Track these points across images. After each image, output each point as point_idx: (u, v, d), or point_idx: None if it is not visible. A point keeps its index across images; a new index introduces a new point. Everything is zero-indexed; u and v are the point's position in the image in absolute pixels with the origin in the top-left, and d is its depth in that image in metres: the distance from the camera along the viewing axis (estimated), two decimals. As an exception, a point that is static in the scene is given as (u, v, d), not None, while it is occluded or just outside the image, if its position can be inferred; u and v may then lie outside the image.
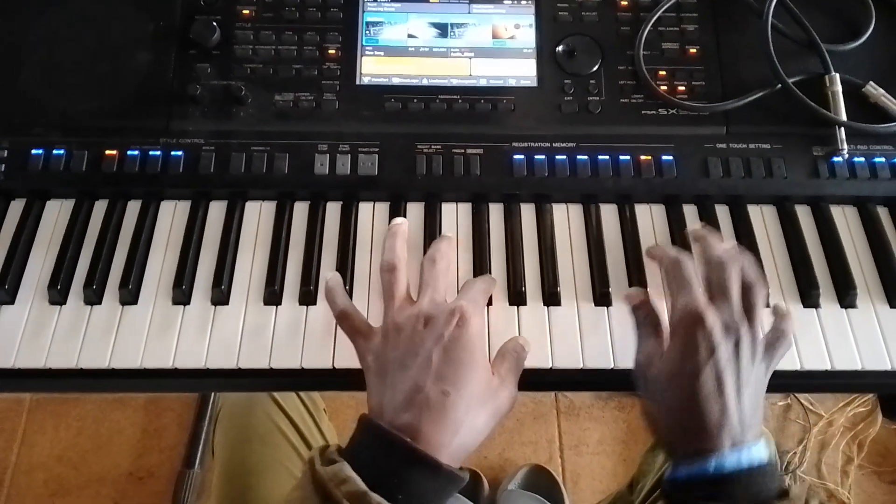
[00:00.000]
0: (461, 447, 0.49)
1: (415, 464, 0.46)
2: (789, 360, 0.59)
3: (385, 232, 0.64)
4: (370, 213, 0.66)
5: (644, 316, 0.56)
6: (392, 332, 0.52)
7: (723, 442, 0.48)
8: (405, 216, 0.65)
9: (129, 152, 0.65)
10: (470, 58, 0.70)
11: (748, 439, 0.49)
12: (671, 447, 0.53)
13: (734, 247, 0.56)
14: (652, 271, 0.63)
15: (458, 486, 0.48)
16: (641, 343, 0.55)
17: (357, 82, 0.68)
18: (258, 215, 0.66)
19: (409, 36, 0.71)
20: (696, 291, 0.53)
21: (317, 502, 0.44)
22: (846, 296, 0.62)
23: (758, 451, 0.49)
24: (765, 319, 0.54)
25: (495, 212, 0.66)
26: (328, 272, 0.60)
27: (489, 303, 0.61)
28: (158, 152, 0.65)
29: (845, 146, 0.65)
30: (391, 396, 0.49)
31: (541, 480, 1.25)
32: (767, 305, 0.58)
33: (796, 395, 1.45)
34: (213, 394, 1.38)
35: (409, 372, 0.49)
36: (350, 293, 0.61)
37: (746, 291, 0.53)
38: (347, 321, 0.56)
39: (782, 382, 0.60)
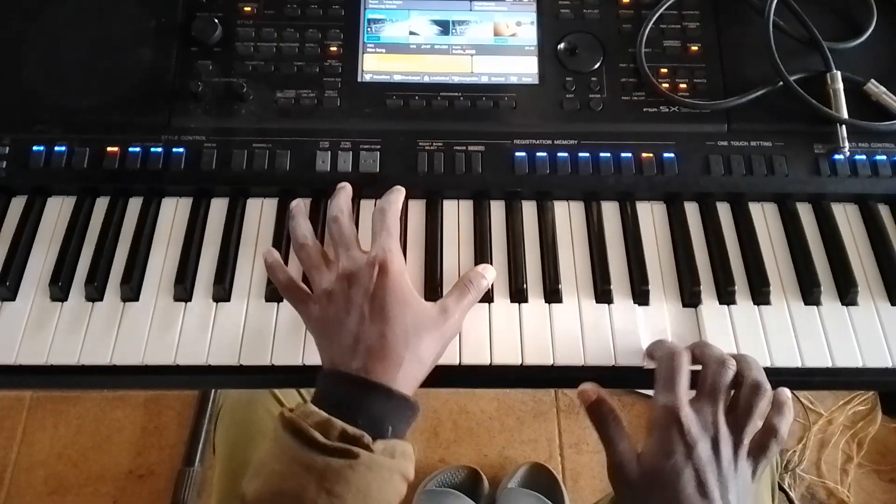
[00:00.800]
0: (408, 377, 0.53)
1: (368, 391, 0.50)
2: (790, 358, 0.59)
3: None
4: (371, 211, 0.65)
5: (605, 413, 0.54)
6: (324, 298, 0.55)
7: None
8: (407, 214, 0.65)
9: (130, 149, 0.65)
10: (471, 55, 0.70)
11: None
12: None
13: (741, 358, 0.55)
14: (653, 272, 0.63)
15: (414, 411, 0.52)
16: (611, 443, 0.54)
17: (359, 79, 0.68)
18: (260, 212, 0.66)
19: (411, 33, 0.71)
20: (679, 389, 0.52)
21: (288, 439, 0.48)
22: (847, 293, 0.62)
23: None
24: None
25: (497, 209, 0.66)
26: (264, 251, 0.61)
27: (490, 299, 0.61)
28: (160, 149, 0.65)
29: (846, 144, 0.65)
30: (338, 351, 0.53)
31: (541, 479, 1.25)
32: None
33: (796, 393, 1.45)
34: (213, 392, 1.38)
35: (348, 327, 0.53)
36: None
37: (747, 394, 0.53)
38: (290, 292, 0.58)
39: (784, 380, 0.60)
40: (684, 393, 0.52)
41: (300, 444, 0.47)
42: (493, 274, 0.60)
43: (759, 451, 0.52)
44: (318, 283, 0.57)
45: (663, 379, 0.53)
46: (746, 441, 0.51)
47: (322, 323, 0.55)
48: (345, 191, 0.62)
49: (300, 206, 0.63)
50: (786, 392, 0.55)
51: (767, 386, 0.53)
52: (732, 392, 0.54)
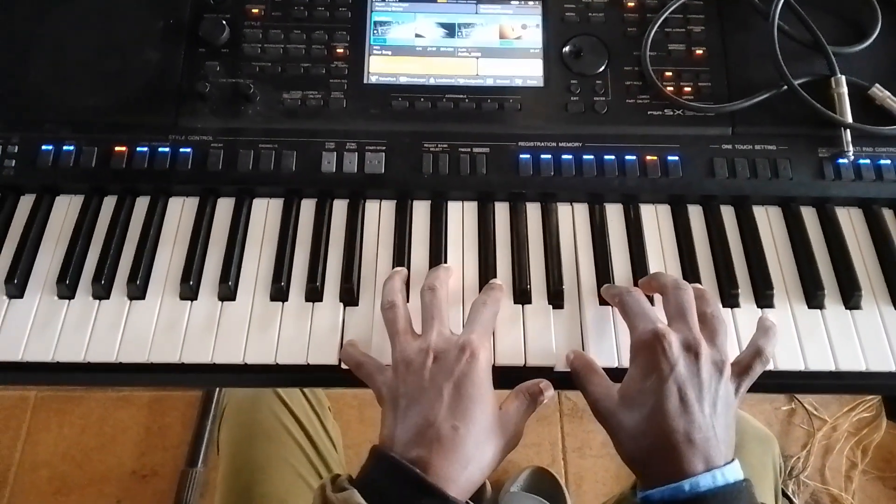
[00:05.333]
0: (469, 481, 0.49)
1: (425, 495, 0.46)
2: (794, 361, 0.59)
3: (391, 229, 0.65)
4: (377, 211, 0.66)
5: (581, 364, 0.56)
6: (402, 366, 0.53)
7: (693, 461, 0.47)
8: (411, 214, 0.65)
9: (138, 149, 0.66)
10: (477, 57, 0.70)
11: (721, 459, 0.48)
12: (642, 470, 0.51)
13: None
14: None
15: None
16: (586, 387, 0.54)
17: (365, 81, 0.69)
18: (265, 212, 0.66)
19: (417, 35, 0.71)
20: (652, 315, 0.54)
21: None
22: (851, 297, 0.62)
23: (732, 471, 0.48)
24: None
25: (501, 210, 0.66)
26: (350, 338, 0.59)
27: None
28: (167, 149, 0.66)
29: (851, 148, 0.65)
30: (403, 430, 0.50)
31: (543, 483, 1.25)
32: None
33: (800, 399, 1.45)
34: (216, 392, 1.39)
35: (421, 407, 0.50)
36: (357, 290, 0.62)
37: (707, 319, 0.54)
38: (363, 369, 0.56)
39: (787, 383, 0.61)
40: (657, 317, 0.54)
41: None
42: (550, 389, 0.56)
43: (743, 371, 0.53)
44: (400, 349, 0.54)
45: (633, 311, 0.55)
46: (726, 358, 0.52)
47: (393, 395, 0.52)
48: (447, 270, 0.61)
49: (403, 272, 0.61)
50: (766, 319, 0.57)
51: (721, 313, 0.55)
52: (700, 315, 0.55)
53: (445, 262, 0.63)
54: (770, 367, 0.59)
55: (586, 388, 0.54)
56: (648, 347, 0.51)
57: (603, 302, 0.62)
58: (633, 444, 0.51)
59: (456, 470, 0.48)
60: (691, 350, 0.51)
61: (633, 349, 0.54)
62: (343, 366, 0.58)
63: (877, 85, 0.68)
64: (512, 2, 0.72)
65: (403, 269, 0.62)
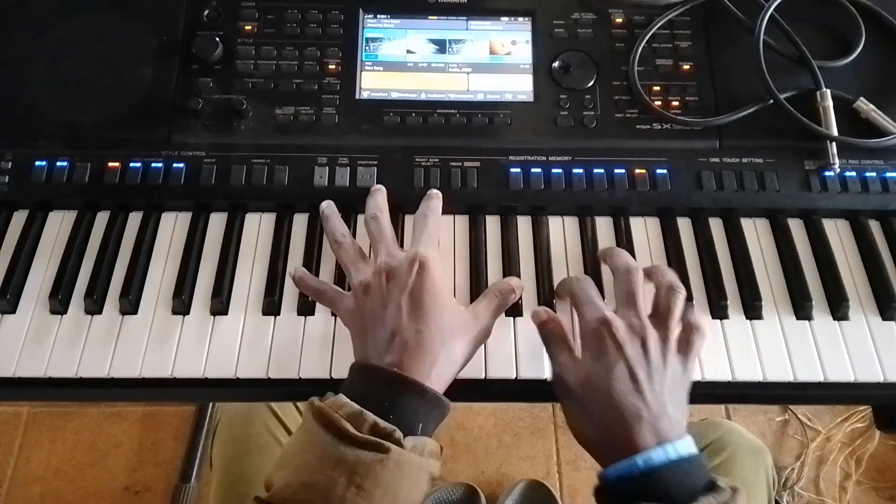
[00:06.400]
0: (441, 377, 0.53)
1: (401, 388, 0.51)
2: (783, 372, 0.60)
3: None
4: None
5: (550, 329, 0.58)
6: (361, 291, 0.56)
7: (646, 437, 0.49)
8: (403, 227, 0.66)
9: (131, 164, 0.66)
10: (467, 73, 0.71)
11: (673, 435, 0.50)
12: (598, 451, 0.53)
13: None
14: (648, 289, 0.63)
15: (444, 410, 0.52)
16: (554, 356, 0.57)
17: (356, 97, 0.70)
18: (258, 227, 0.67)
19: (408, 51, 0.72)
20: (598, 302, 0.56)
21: (318, 430, 0.48)
22: (839, 308, 0.62)
23: (684, 446, 0.49)
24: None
25: (492, 224, 0.67)
26: (291, 268, 0.62)
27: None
28: (160, 164, 0.66)
29: (837, 160, 0.66)
30: (373, 346, 0.54)
31: (538, 496, 1.25)
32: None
33: (794, 410, 1.45)
34: (209, 408, 1.38)
35: (385, 321, 0.54)
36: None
37: (663, 292, 0.56)
38: (323, 296, 0.60)
39: (776, 393, 0.61)
40: (603, 304, 0.56)
41: (331, 435, 0.47)
42: (521, 287, 0.61)
43: (685, 346, 0.54)
44: (355, 277, 0.57)
45: (580, 299, 0.56)
46: (673, 337, 0.54)
47: (357, 316, 0.56)
48: (381, 192, 0.64)
49: (332, 207, 0.64)
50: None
51: (681, 286, 0.56)
52: (654, 295, 0.57)
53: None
54: (758, 377, 0.59)
55: (554, 357, 0.57)
56: (595, 334, 0.53)
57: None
58: (586, 423, 0.53)
59: (426, 366, 0.52)
60: (637, 334, 0.53)
61: (581, 337, 0.55)
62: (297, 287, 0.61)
63: (862, 98, 0.69)
64: (502, 18, 0.73)
65: (382, 187, 0.64)
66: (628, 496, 0.48)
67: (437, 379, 0.52)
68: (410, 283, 0.54)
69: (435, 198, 0.63)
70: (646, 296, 0.56)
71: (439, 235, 0.61)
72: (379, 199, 0.63)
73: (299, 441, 0.51)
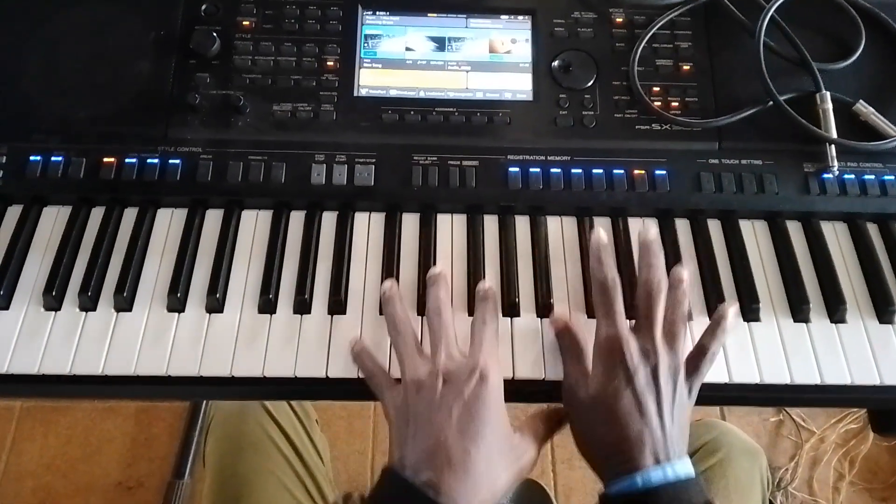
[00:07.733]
0: None
1: None
2: (780, 374, 0.60)
3: (380, 242, 0.64)
4: (366, 224, 0.66)
5: (568, 343, 0.57)
6: (413, 388, 0.53)
7: (646, 459, 0.50)
8: (400, 227, 0.66)
9: (127, 160, 0.66)
10: (467, 71, 0.71)
11: (673, 456, 0.50)
12: (600, 467, 0.54)
13: (677, 274, 0.57)
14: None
15: None
16: (567, 369, 0.56)
17: (355, 94, 0.69)
18: (254, 224, 0.66)
19: (407, 49, 0.72)
20: (618, 319, 0.55)
21: None
22: (836, 311, 0.62)
23: (682, 467, 0.50)
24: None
25: (490, 223, 0.67)
26: (350, 339, 0.59)
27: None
28: (156, 160, 0.66)
29: (836, 163, 0.66)
30: (413, 451, 0.50)
31: (532, 494, 1.25)
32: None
33: (788, 411, 1.45)
34: (203, 404, 1.38)
35: (431, 428, 0.50)
36: (344, 302, 0.62)
37: (670, 320, 0.55)
38: (374, 380, 0.57)
39: (772, 396, 0.61)
40: (623, 322, 0.55)
41: None
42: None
43: (693, 370, 0.54)
44: (409, 372, 0.54)
45: (603, 309, 0.56)
46: (682, 363, 0.54)
47: (403, 412, 0.53)
48: (444, 282, 0.59)
49: (395, 289, 0.59)
50: (722, 310, 0.57)
51: (687, 316, 0.56)
52: (665, 310, 0.56)
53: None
54: (756, 380, 0.59)
55: (566, 368, 0.56)
56: (609, 353, 0.53)
57: (591, 314, 0.62)
58: (589, 435, 0.54)
59: (467, 492, 0.48)
60: (649, 362, 0.53)
61: (595, 348, 0.55)
62: (353, 375, 0.58)
63: (861, 101, 0.69)
64: (502, 16, 0.73)
65: (446, 275, 0.60)
66: None
67: None
68: (468, 394, 0.51)
69: (491, 300, 0.58)
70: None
71: (498, 334, 0.58)
72: (442, 292, 0.58)
73: None
